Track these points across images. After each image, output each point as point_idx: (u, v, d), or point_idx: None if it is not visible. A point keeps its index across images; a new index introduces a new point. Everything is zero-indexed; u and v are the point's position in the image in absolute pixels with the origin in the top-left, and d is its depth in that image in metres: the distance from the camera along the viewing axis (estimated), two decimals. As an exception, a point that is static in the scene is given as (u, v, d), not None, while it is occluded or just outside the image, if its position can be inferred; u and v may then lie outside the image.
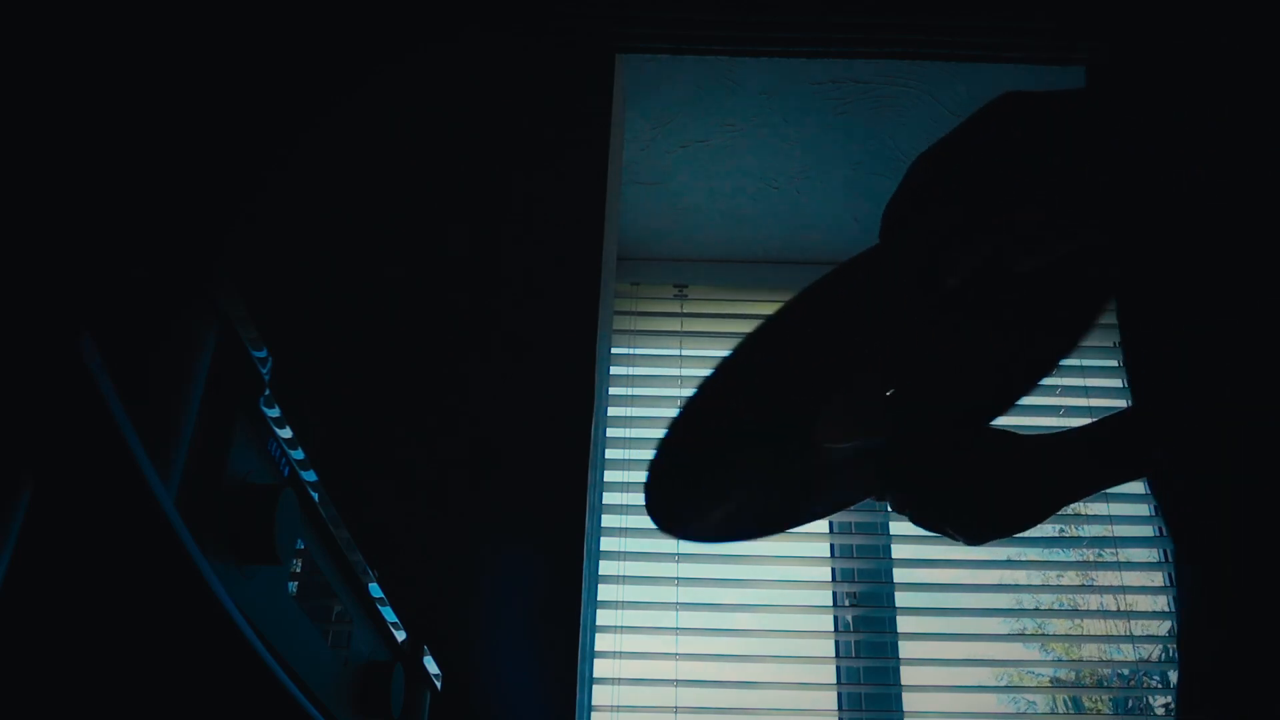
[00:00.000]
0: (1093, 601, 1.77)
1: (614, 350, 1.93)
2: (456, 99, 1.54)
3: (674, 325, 2.03)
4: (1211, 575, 0.48)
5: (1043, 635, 1.77)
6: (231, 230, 1.39)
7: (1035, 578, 1.77)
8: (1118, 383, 1.79)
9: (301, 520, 0.54)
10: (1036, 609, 1.76)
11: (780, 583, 1.77)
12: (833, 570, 1.80)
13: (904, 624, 1.74)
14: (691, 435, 0.66)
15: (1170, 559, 1.71)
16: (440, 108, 1.53)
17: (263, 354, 0.48)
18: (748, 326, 1.85)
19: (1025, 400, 0.68)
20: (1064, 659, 1.75)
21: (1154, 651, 1.68)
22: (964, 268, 0.54)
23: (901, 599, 1.77)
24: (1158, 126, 0.57)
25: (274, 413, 0.50)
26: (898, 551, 1.81)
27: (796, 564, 1.80)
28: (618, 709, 1.64)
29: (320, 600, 0.58)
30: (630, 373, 1.96)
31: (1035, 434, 0.67)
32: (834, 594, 1.78)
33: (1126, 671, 1.72)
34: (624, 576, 1.75)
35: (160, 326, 0.41)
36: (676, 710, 1.63)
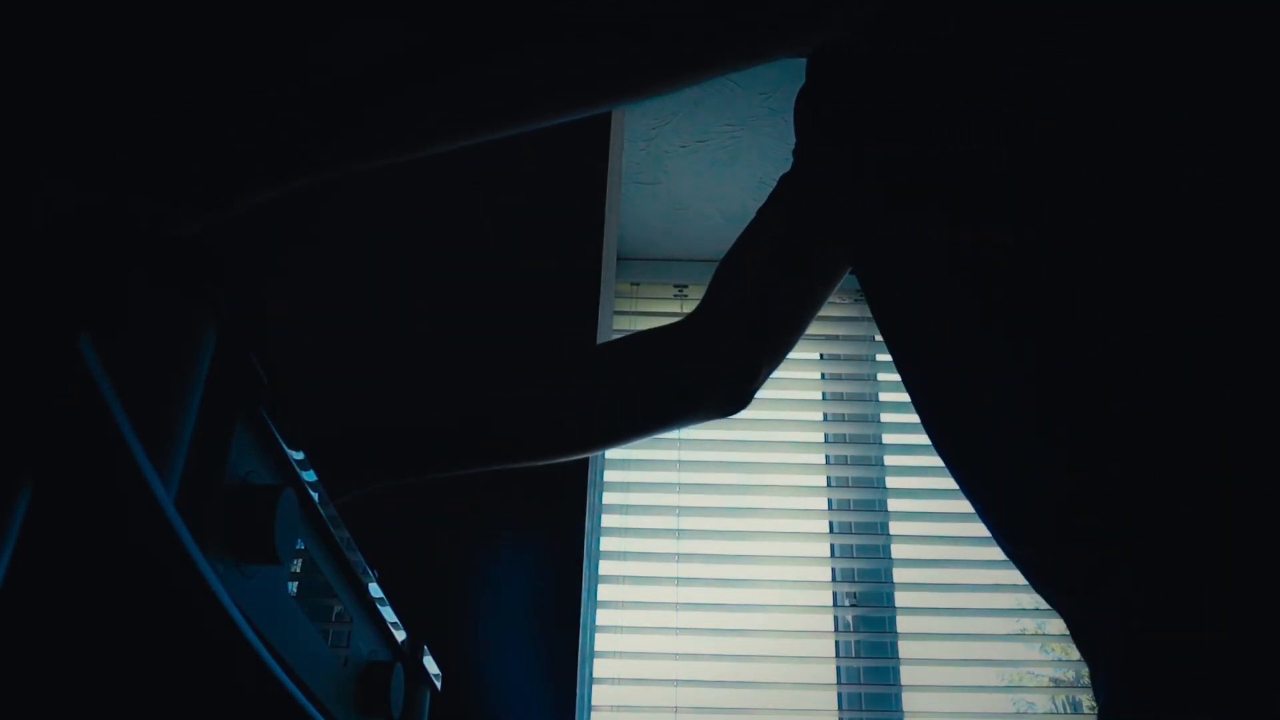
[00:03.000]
0: (1093, 601, 1.77)
1: (614, 350, 1.93)
2: (456, 99, 1.54)
3: (674, 325, 2.02)
4: (1210, 576, 0.48)
5: (1043, 635, 1.77)
6: (229, 228, 1.39)
7: (1035, 578, 1.77)
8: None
9: (301, 520, 0.54)
10: (1036, 609, 1.76)
11: (780, 583, 1.77)
12: (833, 570, 1.80)
13: (904, 624, 1.74)
14: None
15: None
16: (440, 108, 1.53)
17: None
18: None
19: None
20: (1064, 659, 1.75)
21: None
22: None
23: (901, 599, 1.77)
24: (1158, 126, 0.57)
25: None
26: (898, 551, 1.81)
27: (796, 564, 1.80)
28: (618, 709, 1.64)
29: (320, 600, 0.58)
30: (630, 372, 1.95)
31: None
32: (834, 594, 1.78)
33: (1126, 671, 1.72)
34: (624, 576, 1.75)
35: (160, 326, 0.41)
36: (676, 710, 1.63)
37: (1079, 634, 0.58)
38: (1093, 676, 0.57)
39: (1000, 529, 0.61)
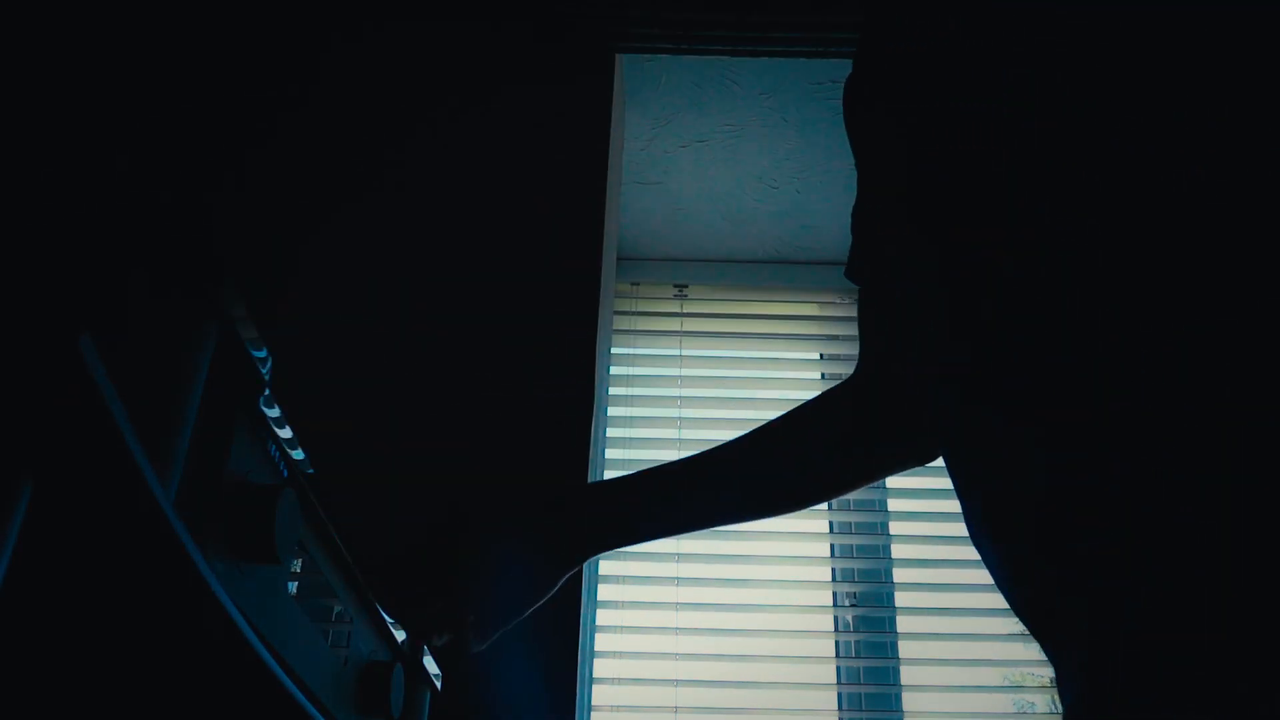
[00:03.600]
0: (1093, 601, 1.77)
1: (614, 350, 1.94)
2: (456, 98, 1.54)
3: (674, 325, 2.03)
4: (1210, 576, 0.48)
5: (1043, 635, 1.77)
6: (229, 228, 1.39)
7: (1035, 578, 1.77)
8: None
9: (301, 520, 0.54)
10: (1036, 609, 1.76)
11: (780, 583, 1.77)
12: (833, 570, 1.80)
13: (904, 624, 1.74)
14: None
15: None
16: (440, 106, 1.53)
17: (263, 354, 0.48)
18: (748, 326, 1.90)
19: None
20: (1064, 659, 1.74)
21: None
22: None
23: (901, 599, 1.77)
24: (1158, 126, 0.57)
25: (274, 413, 0.50)
26: (898, 551, 1.81)
27: (796, 564, 1.80)
28: (618, 709, 1.64)
29: (320, 600, 0.58)
30: (630, 373, 1.96)
31: None
32: (834, 594, 1.78)
33: (1126, 671, 1.72)
34: (624, 576, 1.75)
35: (160, 326, 0.41)
36: (676, 710, 1.63)
37: (1050, 633, 0.58)
38: (1060, 676, 0.57)
39: (995, 531, 0.61)
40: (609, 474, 1.80)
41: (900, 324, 0.71)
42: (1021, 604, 0.60)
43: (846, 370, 1.99)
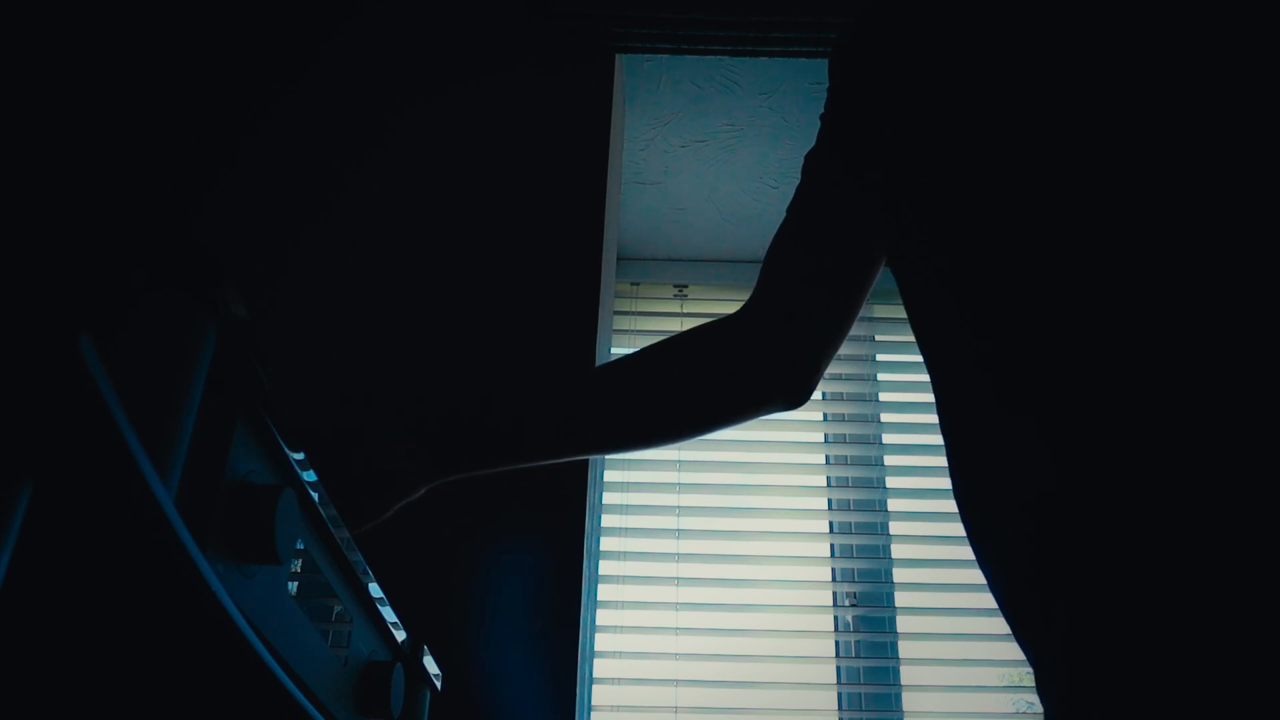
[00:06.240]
0: (1093, 601, 1.76)
1: (614, 350, 1.94)
2: (455, 98, 1.54)
3: (674, 325, 2.03)
4: (1209, 577, 0.48)
5: (1043, 635, 1.76)
6: (229, 228, 1.39)
7: (1035, 578, 1.77)
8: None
9: (301, 520, 0.54)
10: (1036, 609, 1.76)
11: (780, 583, 1.77)
12: (833, 570, 1.80)
13: (904, 624, 1.74)
14: None
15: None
16: (439, 107, 1.53)
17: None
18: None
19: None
20: (1064, 659, 1.74)
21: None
22: None
23: (901, 599, 1.77)
24: (1158, 126, 0.57)
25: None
26: (898, 551, 1.81)
27: (796, 564, 1.80)
28: (618, 709, 1.64)
29: (320, 600, 0.58)
30: (630, 373, 1.95)
31: None
32: (834, 594, 1.78)
33: (1126, 671, 1.72)
34: (624, 576, 1.75)
35: (160, 326, 0.41)
36: (676, 710, 1.63)
37: (1040, 631, 0.57)
38: (1043, 675, 0.57)
39: (994, 529, 0.61)
40: (609, 473, 1.81)
41: (914, 324, 0.71)
42: (1014, 602, 0.60)
43: (846, 369, 1.99)
